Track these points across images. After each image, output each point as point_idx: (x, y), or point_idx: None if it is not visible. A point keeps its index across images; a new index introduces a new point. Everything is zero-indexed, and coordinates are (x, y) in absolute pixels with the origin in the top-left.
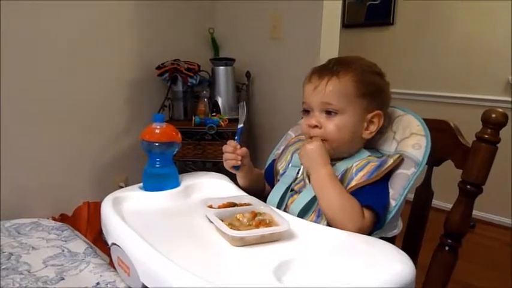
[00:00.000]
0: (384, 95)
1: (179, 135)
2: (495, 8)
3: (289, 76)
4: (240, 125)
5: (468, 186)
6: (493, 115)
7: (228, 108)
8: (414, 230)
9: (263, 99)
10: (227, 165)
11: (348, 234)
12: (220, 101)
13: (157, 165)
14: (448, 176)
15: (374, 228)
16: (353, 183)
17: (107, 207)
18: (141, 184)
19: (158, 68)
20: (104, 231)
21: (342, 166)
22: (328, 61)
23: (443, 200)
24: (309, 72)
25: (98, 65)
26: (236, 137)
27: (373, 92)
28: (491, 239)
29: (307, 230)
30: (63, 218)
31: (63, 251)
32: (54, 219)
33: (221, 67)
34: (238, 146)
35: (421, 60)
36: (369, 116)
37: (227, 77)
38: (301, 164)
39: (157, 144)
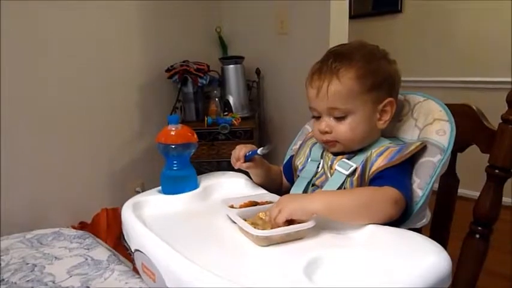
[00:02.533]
0: (393, 79)
1: (195, 135)
2: None
3: (300, 71)
4: (259, 150)
5: (496, 171)
6: None
7: (239, 106)
8: (441, 220)
9: (274, 95)
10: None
11: (376, 227)
12: (231, 99)
13: (175, 168)
14: (473, 162)
15: (402, 217)
16: (374, 167)
17: (127, 213)
18: (159, 188)
19: (168, 70)
20: (125, 238)
21: (360, 157)
22: (327, 55)
23: (469, 188)
24: (309, 73)
25: (107, 71)
26: (247, 154)
27: (381, 81)
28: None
29: (332, 225)
30: (82, 226)
31: (86, 259)
32: (73, 227)
33: (230, 66)
34: (241, 161)
35: (432, 45)
36: (380, 106)
37: (237, 75)
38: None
39: (173, 146)
